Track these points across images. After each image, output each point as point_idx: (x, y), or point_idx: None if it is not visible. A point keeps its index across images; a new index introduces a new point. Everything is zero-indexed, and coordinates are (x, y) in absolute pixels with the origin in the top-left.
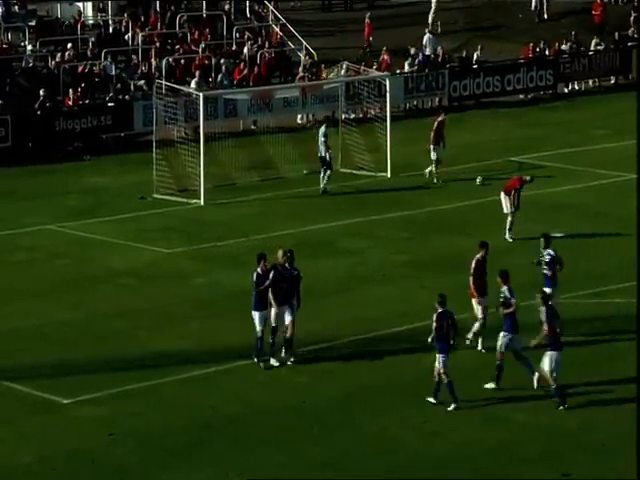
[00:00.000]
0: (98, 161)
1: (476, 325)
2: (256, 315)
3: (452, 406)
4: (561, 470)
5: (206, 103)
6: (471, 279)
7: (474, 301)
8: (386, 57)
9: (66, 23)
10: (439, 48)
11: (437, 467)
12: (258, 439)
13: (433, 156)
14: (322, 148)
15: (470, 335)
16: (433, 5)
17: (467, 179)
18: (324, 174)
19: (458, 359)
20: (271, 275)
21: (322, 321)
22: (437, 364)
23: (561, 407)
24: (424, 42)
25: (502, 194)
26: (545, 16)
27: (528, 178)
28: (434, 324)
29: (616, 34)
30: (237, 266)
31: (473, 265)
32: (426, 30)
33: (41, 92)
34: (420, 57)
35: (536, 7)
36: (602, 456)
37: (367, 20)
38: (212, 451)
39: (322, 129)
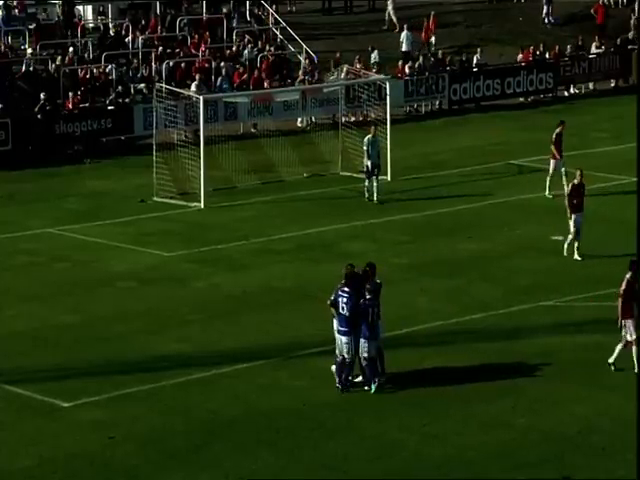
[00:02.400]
0: (98, 164)
1: (618, 347)
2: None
3: (358, 379)
4: (562, 474)
5: (206, 106)
6: (620, 300)
7: (626, 322)
8: (358, 66)
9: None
10: (440, 52)
11: (437, 470)
12: (258, 442)
13: (558, 169)
14: (367, 157)
15: (612, 359)
16: (390, 3)
17: (467, 182)
18: (376, 182)
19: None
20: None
21: (322, 324)
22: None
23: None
24: (401, 39)
25: (572, 215)
26: (550, 19)
27: (576, 182)
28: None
29: (618, 40)
30: (237, 269)
31: (623, 286)
32: (404, 26)
33: (42, 95)
34: (376, 58)
35: (547, 13)
36: (602, 459)
37: (431, 17)
38: (212, 454)
39: (367, 138)
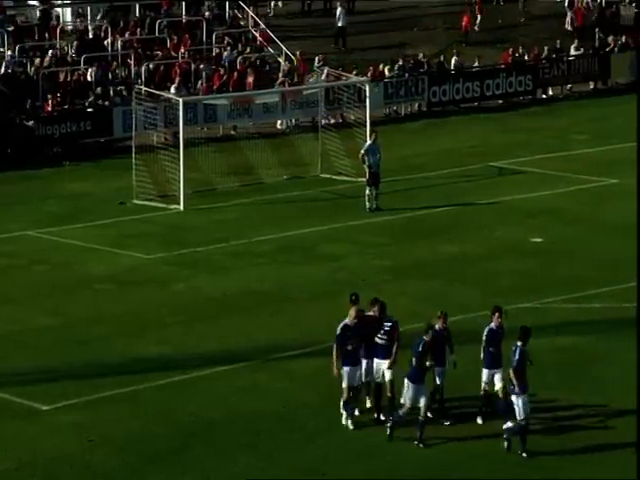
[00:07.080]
0: (77, 167)
1: None
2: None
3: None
4: (546, 475)
5: (185, 108)
6: None
7: None
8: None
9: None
10: (422, 55)
11: (419, 472)
12: (238, 445)
13: None
14: (362, 164)
15: None
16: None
17: (446, 184)
18: (375, 191)
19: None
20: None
21: (302, 327)
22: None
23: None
24: (337, 15)
25: None
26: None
27: None
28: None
29: (597, 42)
30: (217, 271)
31: None
32: (338, 4)
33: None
34: (319, 64)
35: (571, 18)
36: (585, 461)
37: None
38: (192, 457)
39: (366, 144)
